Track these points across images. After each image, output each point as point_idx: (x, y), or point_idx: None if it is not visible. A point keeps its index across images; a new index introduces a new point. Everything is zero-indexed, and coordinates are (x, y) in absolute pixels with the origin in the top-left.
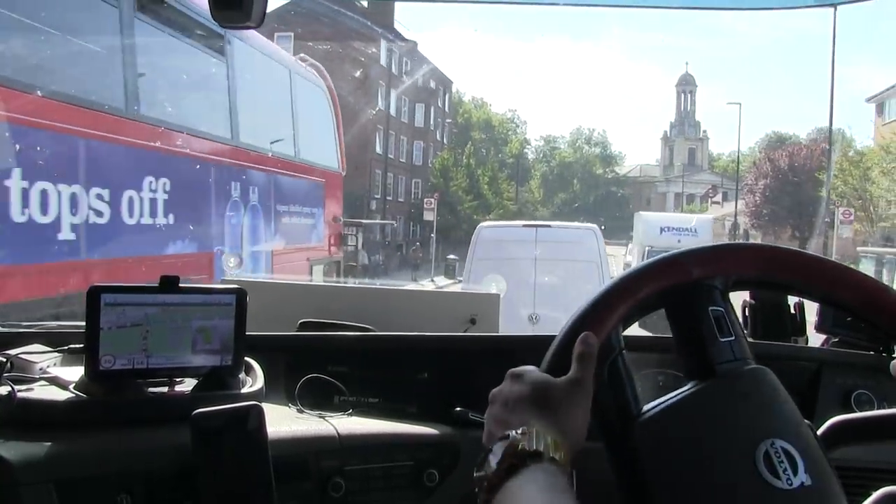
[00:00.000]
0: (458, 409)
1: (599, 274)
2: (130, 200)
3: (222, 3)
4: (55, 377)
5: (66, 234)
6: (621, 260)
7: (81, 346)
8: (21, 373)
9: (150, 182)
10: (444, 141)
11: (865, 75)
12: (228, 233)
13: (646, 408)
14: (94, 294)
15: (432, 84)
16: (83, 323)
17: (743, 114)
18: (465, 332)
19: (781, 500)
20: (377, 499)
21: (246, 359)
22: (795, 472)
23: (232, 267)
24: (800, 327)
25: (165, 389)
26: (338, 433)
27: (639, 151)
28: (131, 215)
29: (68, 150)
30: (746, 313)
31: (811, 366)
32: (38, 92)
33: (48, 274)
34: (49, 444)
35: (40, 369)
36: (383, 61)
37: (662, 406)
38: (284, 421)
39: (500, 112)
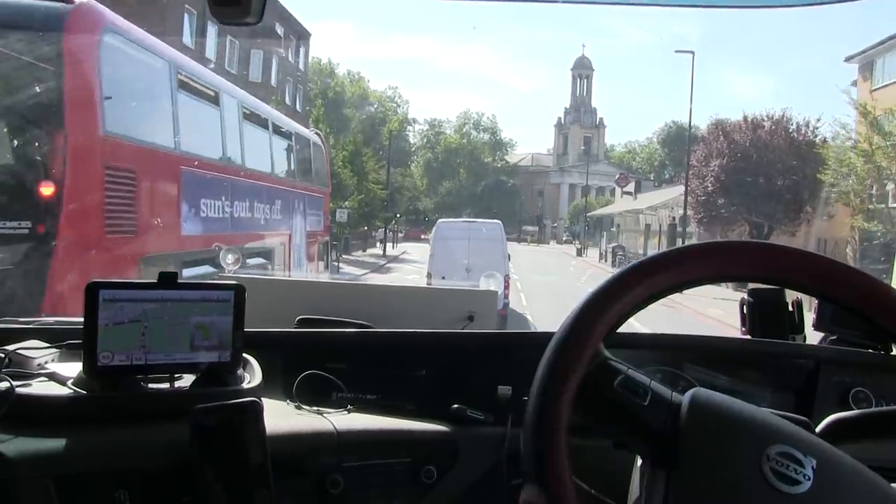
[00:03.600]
0: (456, 406)
1: (502, 249)
2: (263, 209)
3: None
4: (53, 373)
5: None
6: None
7: (80, 342)
8: (19, 368)
9: (273, 199)
10: (298, 108)
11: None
12: (293, 223)
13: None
14: (93, 290)
15: (279, 29)
16: (81, 319)
17: (636, 109)
18: (462, 329)
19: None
20: (375, 496)
21: (244, 355)
22: (803, 475)
23: (230, 263)
24: (798, 325)
25: (164, 386)
26: (336, 430)
27: (531, 139)
28: (265, 214)
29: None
30: (744, 311)
31: (809, 363)
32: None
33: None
34: (47, 439)
35: (38, 365)
36: None
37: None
38: (283, 417)
39: (380, 89)
